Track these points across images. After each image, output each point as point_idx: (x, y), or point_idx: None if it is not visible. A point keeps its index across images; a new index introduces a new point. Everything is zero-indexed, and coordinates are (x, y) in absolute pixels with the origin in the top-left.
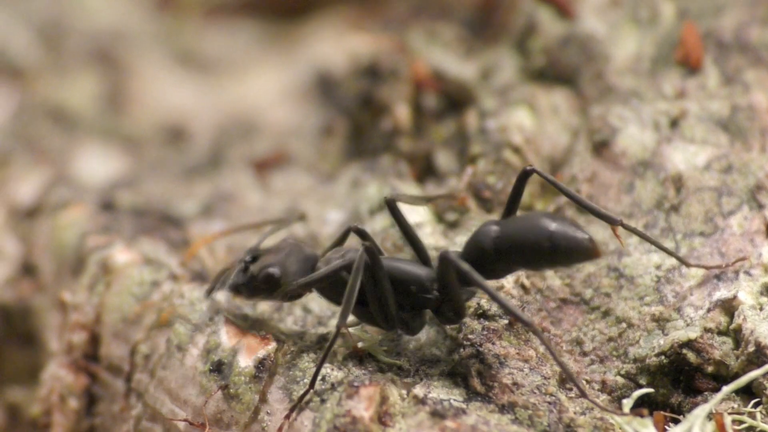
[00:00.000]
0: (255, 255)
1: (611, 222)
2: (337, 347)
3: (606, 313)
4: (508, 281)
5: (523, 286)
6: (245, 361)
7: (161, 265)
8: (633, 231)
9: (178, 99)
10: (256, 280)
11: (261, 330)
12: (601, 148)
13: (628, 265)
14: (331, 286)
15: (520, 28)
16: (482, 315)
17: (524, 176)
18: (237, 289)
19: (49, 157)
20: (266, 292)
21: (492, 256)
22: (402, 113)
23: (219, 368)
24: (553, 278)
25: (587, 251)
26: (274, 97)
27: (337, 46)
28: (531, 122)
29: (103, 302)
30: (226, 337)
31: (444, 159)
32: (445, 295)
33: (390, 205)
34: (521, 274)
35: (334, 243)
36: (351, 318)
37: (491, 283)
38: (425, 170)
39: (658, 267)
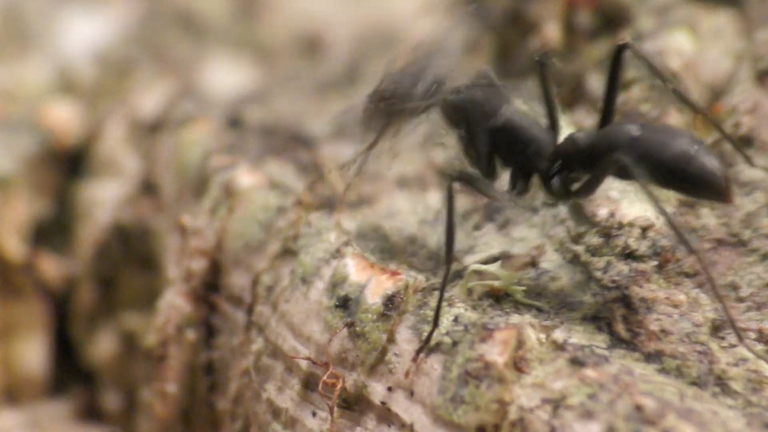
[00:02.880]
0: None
1: (694, 110)
2: (474, 285)
3: (765, 257)
4: (658, 218)
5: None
6: (373, 298)
7: (288, 190)
8: (713, 123)
9: (315, 6)
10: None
11: (391, 263)
12: (765, 76)
13: None
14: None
15: None
16: (629, 255)
17: (619, 51)
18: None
19: (176, 67)
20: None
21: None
22: (552, 32)
23: (345, 304)
24: (708, 216)
25: (719, 191)
26: (417, 9)
27: None
28: (691, 46)
29: (225, 227)
30: (353, 270)
31: (596, 82)
32: (564, 168)
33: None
34: (675, 213)
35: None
36: (490, 252)
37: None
38: (576, 94)
39: None
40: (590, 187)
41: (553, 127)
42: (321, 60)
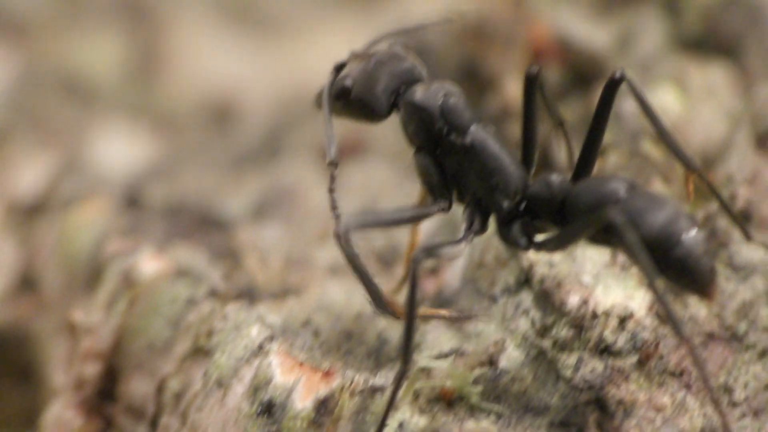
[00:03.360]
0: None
1: (688, 167)
2: (422, 386)
3: (764, 354)
4: (641, 308)
5: (658, 316)
6: (302, 402)
7: (200, 278)
8: (709, 186)
9: (225, 66)
10: (332, 91)
11: (323, 362)
12: (767, 140)
13: None
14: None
15: None
16: (605, 350)
17: (612, 86)
18: (320, 102)
19: (60, 137)
20: (344, 109)
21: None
22: (515, 90)
23: (269, 410)
24: (698, 307)
25: (700, 285)
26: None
27: None
28: (679, 105)
29: (125, 324)
30: (278, 370)
31: (560, 155)
32: (527, 213)
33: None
34: (656, 304)
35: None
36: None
37: None
38: (541, 163)
39: None
40: (561, 243)
41: (528, 163)
42: (233, 129)
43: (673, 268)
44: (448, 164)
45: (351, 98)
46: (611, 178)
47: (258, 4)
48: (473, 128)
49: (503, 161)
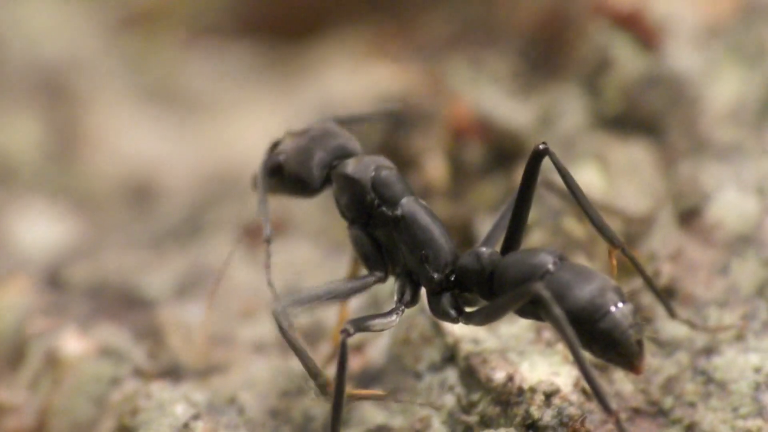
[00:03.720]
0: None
1: (611, 243)
2: None
3: (690, 428)
4: (566, 384)
5: (584, 391)
6: None
7: (123, 357)
8: (633, 261)
9: (145, 145)
10: (266, 167)
11: None
12: (689, 217)
13: (720, 368)
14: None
15: (590, 62)
16: (532, 426)
17: (536, 158)
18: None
19: None
20: (278, 185)
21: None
22: (436, 168)
23: None
24: (623, 382)
25: (628, 362)
26: (265, 143)
27: (352, 77)
28: (602, 182)
29: (49, 404)
30: None
31: (488, 228)
32: (457, 285)
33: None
34: (581, 379)
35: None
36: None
37: None
38: (464, 241)
39: (757, 370)
40: (490, 315)
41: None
42: (154, 207)
43: (601, 341)
44: (380, 236)
45: (284, 173)
46: (539, 250)
47: (177, 83)
48: (404, 200)
49: (434, 233)
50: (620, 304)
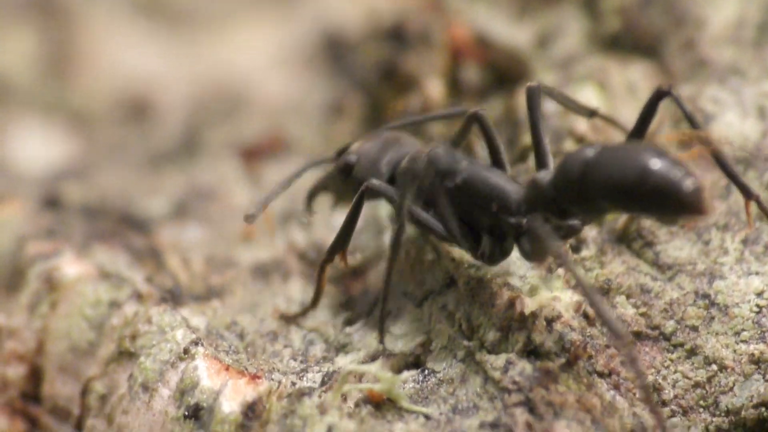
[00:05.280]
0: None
1: (746, 195)
2: (349, 389)
3: (692, 352)
4: (568, 309)
5: (586, 315)
6: (230, 406)
7: (122, 281)
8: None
9: (140, 62)
10: (336, 170)
11: (250, 365)
12: (689, 141)
13: (722, 291)
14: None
15: None
16: (533, 352)
17: (656, 99)
18: (324, 186)
19: None
20: (345, 184)
21: (578, 187)
22: (435, 89)
23: (196, 414)
24: (624, 306)
25: (687, 202)
26: (267, 63)
27: None
28: (601, 104)
29: (48, 327)
30: (205, 374)
31: (483, 151)
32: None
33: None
34: (583, 302)
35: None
36: (366, 351)
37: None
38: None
39: (759, 294)
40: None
41: (544, 165)
42: (151, 127)
43: (652, 196)
44: (456, 206)
45: (354, 173)
46: (579, 148)
47: None
48: (462, 165)
49: (497, 183)
50: (660, 159)
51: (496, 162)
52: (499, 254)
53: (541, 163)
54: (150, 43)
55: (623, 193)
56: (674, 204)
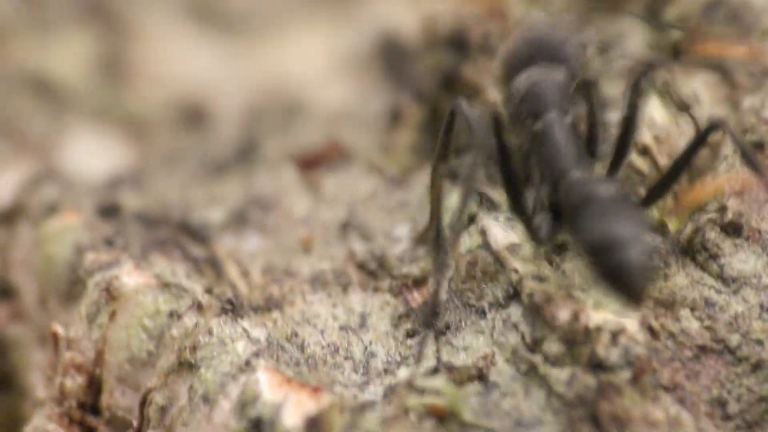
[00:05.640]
0: None
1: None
2: (412, 403)
3: (757, 366)
4: (633, 323)
5: (651, 329)
6: (292, 419)
7: (182, 291)
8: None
9: (196, 68)
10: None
11: (311, 378)
12: (756, 152)
13: None
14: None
15: None
16: (598, 365)
17: (706, 132)
18: None
19: (30, 143)
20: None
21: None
22: (497, 97)
23: (258, 427)
24: (689, 320)
25: (629, 295)
26: (323, 70)
27: (409, 2)
28: (664, 115)
29: (107, 337)
30: (266, 386)
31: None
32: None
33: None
34: (649, 315)
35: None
36: (428, 364)
37: None
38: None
39: None
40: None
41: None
42: (207, 134)
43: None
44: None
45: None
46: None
47: (227, 3)
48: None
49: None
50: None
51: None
52: (545, 229)
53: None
54: (205, 50)
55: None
56: (619, 290)
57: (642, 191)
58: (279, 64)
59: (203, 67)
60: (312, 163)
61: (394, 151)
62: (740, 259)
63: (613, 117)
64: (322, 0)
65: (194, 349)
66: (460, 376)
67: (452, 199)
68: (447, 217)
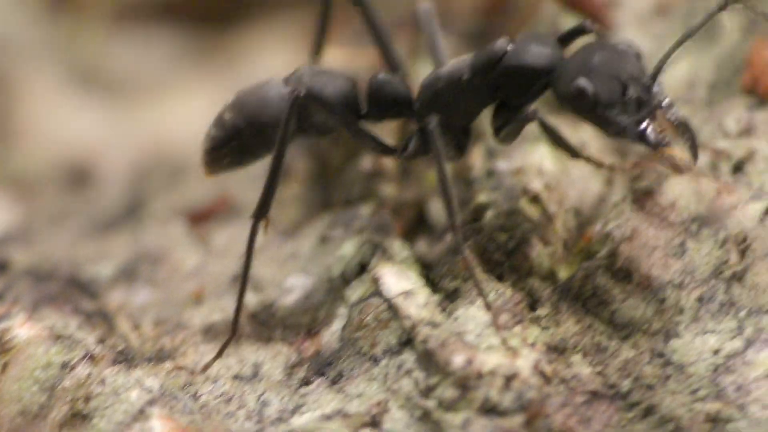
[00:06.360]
0: None
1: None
2: None
3: (648, 411)
4: (525, 367)
5: (543, 374)
6: None
7: (74, 342)
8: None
9: (80, 129)
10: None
11: (205, 426)
12: (643, 198)
13: (677, 350)
14: None
15: None
16: (491, 410)
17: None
18: None
19: None
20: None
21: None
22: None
23: None
24: (581, 365)
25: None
26: (204, 127)
27: (287, 58)
28: (553, 163)
29: None
30: None
31: (440, 209)
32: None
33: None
34: (542, 360)
35: None
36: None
37: None
38: (416, 223)
39: (715, 352)
40: None
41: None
42: (93, 193)
43: None
44: None
45: None
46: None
47: (108, 66)
48: None
49: None
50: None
51: None
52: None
53: None
54: (89, 111)
55: None
56: None
57: (536, 241)
58: (161, 123)
59: (88, 128)
60: (201, 218)
61: (283, 204)
62: (630, 306)
63: None
64: (201, 60)
65: (87, 399)
66: (353, 423)
67: (346, 248)
68: (340, 267)
